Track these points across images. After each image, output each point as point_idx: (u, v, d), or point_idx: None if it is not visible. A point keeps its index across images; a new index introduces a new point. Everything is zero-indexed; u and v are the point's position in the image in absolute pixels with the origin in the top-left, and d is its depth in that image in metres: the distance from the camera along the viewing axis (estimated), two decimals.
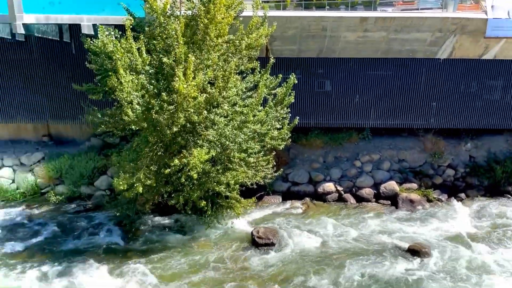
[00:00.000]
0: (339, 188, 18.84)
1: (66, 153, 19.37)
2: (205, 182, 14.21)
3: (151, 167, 13.75)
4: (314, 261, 14.35)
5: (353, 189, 18.97)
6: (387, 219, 17.14)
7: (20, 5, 15.41)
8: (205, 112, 13.67)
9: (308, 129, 20.17)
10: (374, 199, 18.76)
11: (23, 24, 15.72)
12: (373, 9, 18.02)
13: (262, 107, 15.03)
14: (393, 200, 18.51)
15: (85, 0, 16.74)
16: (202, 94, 13.42)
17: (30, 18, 15.82)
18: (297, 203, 18.33)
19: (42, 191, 18.64)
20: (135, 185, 13.24)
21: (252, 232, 15.56)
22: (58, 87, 19.06)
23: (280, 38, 17.50)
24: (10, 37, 17.05)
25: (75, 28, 17.44)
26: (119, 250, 14.96)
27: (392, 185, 18.83)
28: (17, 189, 18.56)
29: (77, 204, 18.04)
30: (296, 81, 15.55)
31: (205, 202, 14.52)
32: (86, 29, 16.56)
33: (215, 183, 14.29)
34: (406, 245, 15.19)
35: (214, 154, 13.75)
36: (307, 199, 18.63)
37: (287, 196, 18.75)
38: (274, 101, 15.40)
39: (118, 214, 16.40)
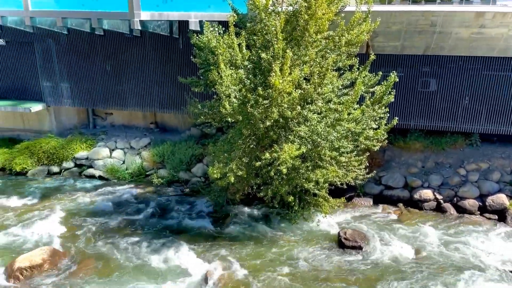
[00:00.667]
0: (438, 196, 17.45)
1: (169, 140, 21.02)
2: (294, 177, 14.26)
3: (243, 159, 14.22)
4: (402, 272, 13.54)
5: (454, 199, 17.41)
6: (491, 235, 15.43)
7: (138, 3, 17.00)
8: (299, 108, 13.68)
9: (407, 130, 19.01)
10: (478, 212, 17.01)
11: (139, 20, 17.35)
12: (492, 3, 16.19)
13: (358, 106, 14.54)
14: (501, 215, 16.59)
15: None
16: (296, 90, 13.45)
17: (146, 15, 17.37)
18: (390, 208, 17.44)
19: (147, 173, 20.47)
20: (227, 174, 13.80)
21: (339, 233, 15.23)
22: (166, 79, 20.71)
23: (383, 34, 16.69)
24: (128, 33, 18.92)
25: (183, 25, 18.71)
26: (209, 235, 15.79)
27: (501, 198, 16.87)
28: (126, 169, 20.66)
29: (175, 188, 19.49)
30: (397, 79, 14.71)
31: (292, 198, 14.59)
32: (193, 25, 17.66)
33: (304, 180, 14.25)
34: (510, 266, 13.56)
35: (304, 151, 13.71)
36: (401, 205, 17.60)
37: (379, 199, 17.94)
38: (371, 99, 14.78)
39: (210, 200, 17.36)
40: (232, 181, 13.86)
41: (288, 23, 14.05)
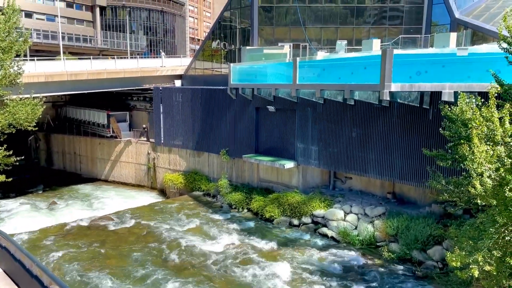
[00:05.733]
0: None
1: (405, 213, 19.84)
2: None
3: (494, 252, 11.79)
4: None
5: None
6: None
7: (390, 76, 17.53)
8: None
9: None
10: None
11: (389, 91, 17.75)
12: None
13: None
14: None
15: (450, 68, 16.96)
16: None
17: (396, 87, 17.65)
18: None
19: (378, 244, 19.77)
20: (470, 266, 11.74)
21: None
22: (409, 150, 20.03)
23: None
24: (377, 103, 19.59)
25: (435, 95, 17.95)
26: None
27: None
28: (357, 235, 20.57)
29: (406, 267, 17.93)
30: None
31: None
32: (447, 96, 16.69)
33: None
34: None
35: None
36: None
37: None
38: None
39: None
40: (476, 275, 11.66)
41: None
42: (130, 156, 35.38)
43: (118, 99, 38.27)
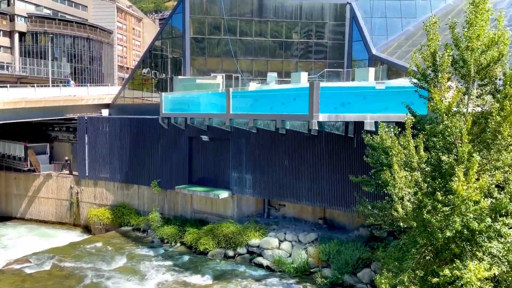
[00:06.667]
0: None
1: (336, 238, 20.51)
2: None
3: (417, 272, 12.56)
4: None
5: None
6: None
7: (318, 107, 18.43)
8: (489, 220, 11.66)
9: None
10: None
11: (317, 121, 18.62)
12: None
13: None
14: None
15: (371, 100, 18.30)
16: (486, 199, 11.65)
17: (323, 117, 18.58)
18: None
19: (312, 270, 20.09)
20: (398, 287, 12.37)
21: None
22: (337, 177, 20.98)
23: None
24: (306, 132, 20.40)
25: (358, 125, 19.16)
26: None
27: None
28: (292, 263, 20.75)
29: None
30: None
31: None
32: (368, 126, 17.88)
33: None
34: None
35: (497, 273, 11.31)
36: None
37: None
38: None
39: None
40: None
41: (475, 124, 12.82)
42: (50, 191, 32.73)
43: (38, 130, 35.61)
